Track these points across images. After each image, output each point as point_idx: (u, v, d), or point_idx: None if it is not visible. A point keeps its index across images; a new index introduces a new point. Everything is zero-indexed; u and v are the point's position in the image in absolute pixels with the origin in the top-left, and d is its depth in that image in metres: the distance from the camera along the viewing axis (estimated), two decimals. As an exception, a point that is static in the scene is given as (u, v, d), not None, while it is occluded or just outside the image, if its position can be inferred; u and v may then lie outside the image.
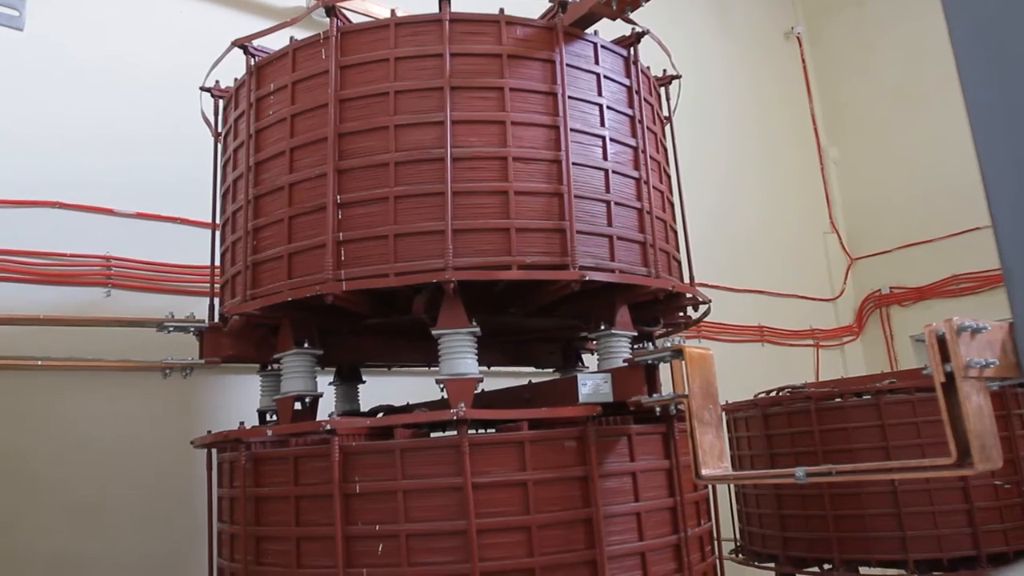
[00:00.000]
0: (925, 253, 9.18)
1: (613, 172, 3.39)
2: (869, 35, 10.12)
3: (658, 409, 3.01)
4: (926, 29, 8.89)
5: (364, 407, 4.40)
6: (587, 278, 3.09)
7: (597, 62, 3.51)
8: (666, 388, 2.95)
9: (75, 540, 4.30)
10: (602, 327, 3.40)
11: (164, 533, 4.55)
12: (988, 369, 1.79)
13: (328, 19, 3.34)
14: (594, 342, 3.51)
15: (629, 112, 3.58)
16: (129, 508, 4.50)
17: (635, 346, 3.56)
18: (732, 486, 5.41)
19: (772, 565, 4.89)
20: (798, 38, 10.58)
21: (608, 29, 3.60)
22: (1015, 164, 1.65)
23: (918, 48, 9.20)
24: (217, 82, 4.08)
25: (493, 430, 3.29)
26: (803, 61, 10.56)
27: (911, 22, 9.16)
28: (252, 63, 3.62)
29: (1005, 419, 4.39)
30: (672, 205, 3.95)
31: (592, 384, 3.12)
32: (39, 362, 4.35)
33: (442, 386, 3.07)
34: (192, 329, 3.90)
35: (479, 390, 3.13)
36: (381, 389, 4.63)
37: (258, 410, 4.00)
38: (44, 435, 4.35)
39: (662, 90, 4.16)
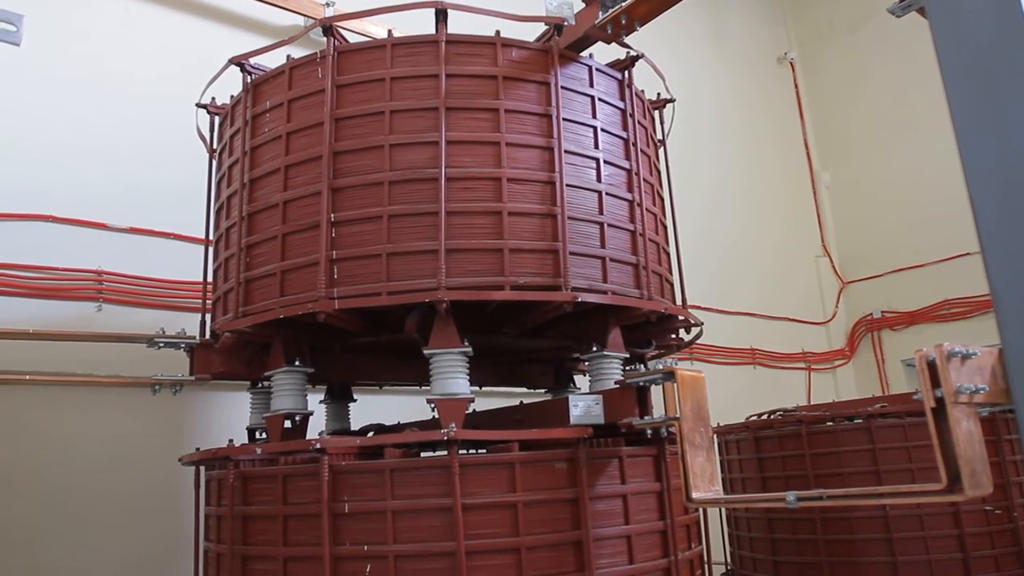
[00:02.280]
0: (917, 278, 9.22)
1: (607, 194, 3.41)
2: (862, 62, 10.23)
3: (649, 431, 3.01)
4: (918, 56, 8.97)
5: (355, 426, 4.38)
6: (579, 299, 3.09)
7: (592, 85, 3.54)
8: (657, 410, 2.95)
9: (61, 554, 4.25)
10: (594, 348, 3.40)
11: (150, 550, 4.50)
12: (978, 395, 1.80)
13: (325, 38, 3.36)
14: (586, 363, 3.50)
15: (623, 135, 3.60)
16: (115, 524, 4.45)
17: (627, 368, 3.56)
18: (723, 509, 5.39)
19: (763, 589, 4.86)
20: (791, 64, 10.69)
21: (603, 53, 3.63)
22: (1003, 193, 1.67)
23: (910, 74, 9.30)
24: (213, 99, 4.09)
25: (483, 451, 3.27)
26: (796, 86, 10.67)
27: (903, 49, 9.26)
28: (248, 80, 3.63)
29: (995, 445, 4.39)
30: (665, 227, 3.96)
31: (583, 405, 3.11)
32: (28, 376, 4.32)
33: (433, 406, 3.06)
34: (183, 345, 3.88)
35: (470, 410, 3.12)
36: (372, 408, 4.61)
37: (247, 428, 3.97)
38: (32, 449, 4.31)
39: (656, 113, 4.19)
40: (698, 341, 4.20)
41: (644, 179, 3.62)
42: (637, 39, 3.52)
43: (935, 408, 1.84)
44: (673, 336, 4.07)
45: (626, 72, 3.72)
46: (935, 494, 1.91)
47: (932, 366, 1.83)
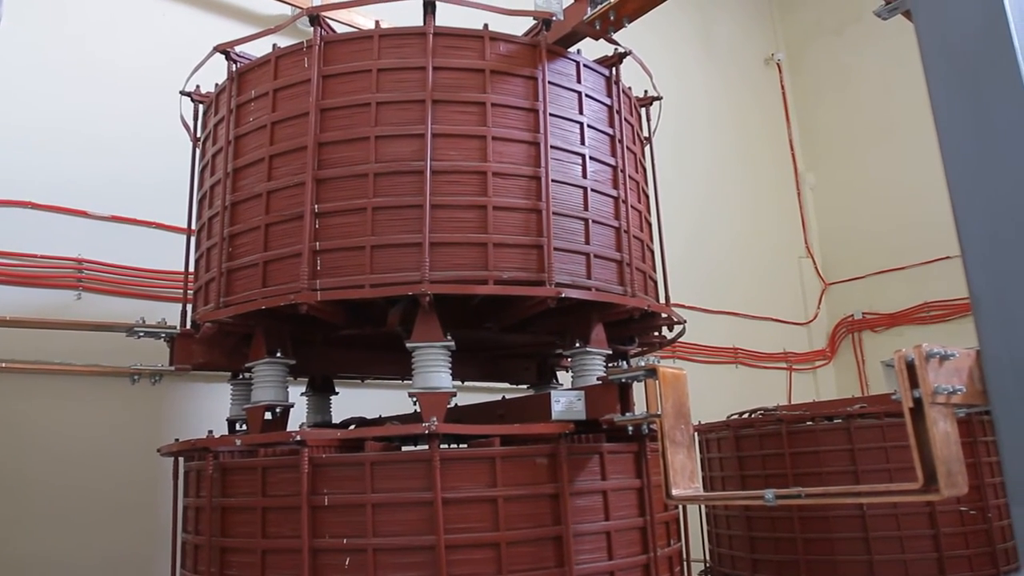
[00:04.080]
0: (898, 280, 9.31)
1: (592, 190, 3.41)
2: (847, 63, 10.29)
3: (630, 428, 3.01)
4: (903, 59, 9.05)
5: (336, 419, 4.36)
6: (563, 295, 3.10)
7: (579, 81, 3.54)
8: (639, 407, 2.95)
9: (38, 544, 4.21)
10: (577, 344, 3.40)
11: (128, 541, 4.46)
12: (955, 396, 1.81)
13: (312, 28, 3.34)
14: (569, 359, 3.51)
15: (609, 131, 3.60)
16: (93, 514, 4.40)
17: (609, 364, 3.57)
18: (703, 507, 5.42)
19: (740, 587, 4.89)
20: (778, 64, 10.74)
21: (591, 49, 3.63)
22: (984, 196, 1.68)
23: (894, 77, 9.37)
24: (198, 86, 4.05)
25: (465, 445, 3.27)
26: (782, 87, 10.72)
27: (888, 52, 9.32)
28: (234, 69, 3.60)
29: (971, 446, 4.44)
30: (650, 225, 3.97)
31: (565, 401, 3.11)
32: (3, 364, 4.26)
33: (415, 399, 3.06)
34: (163, 335, 3.84)
35: (452, 404, 3.12)
36: (354, 401, 4.59)
37: (228, 419, 3.95)
38: (8, 438, 4.25)
39: (643, 111, 4.20)
40: (681, 340, 4.21)
41: (630, 176, 3.62)
42: (626, 36, 3.52)
43: (913, 408, 1.85)
44: (656, 334, 4.08)
45: (613, 69, 3.72)
46: (911, 493, 1.92)
47: (911, 367, 1.84)
